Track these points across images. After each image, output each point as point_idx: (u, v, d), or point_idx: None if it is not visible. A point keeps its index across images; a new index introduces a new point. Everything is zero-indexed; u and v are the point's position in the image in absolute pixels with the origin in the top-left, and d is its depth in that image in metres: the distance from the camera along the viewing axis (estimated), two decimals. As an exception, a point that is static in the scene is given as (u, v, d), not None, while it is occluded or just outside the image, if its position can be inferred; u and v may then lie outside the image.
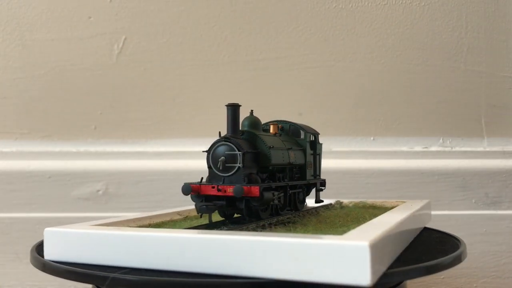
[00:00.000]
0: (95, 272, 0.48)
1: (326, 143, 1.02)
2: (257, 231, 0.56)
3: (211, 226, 0.60)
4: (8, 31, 1.07)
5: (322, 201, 0.80)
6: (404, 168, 1.06)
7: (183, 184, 0.61)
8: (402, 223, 0.58)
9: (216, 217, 0.64)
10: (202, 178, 0.62)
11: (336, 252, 0.42)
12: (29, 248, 0.60)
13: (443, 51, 1.09)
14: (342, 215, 0.71)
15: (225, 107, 0.64)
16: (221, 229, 0.57)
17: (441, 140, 1.09)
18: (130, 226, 0.59)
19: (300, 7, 1.08)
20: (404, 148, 1.08)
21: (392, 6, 1.08)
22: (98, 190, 1.04)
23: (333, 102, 1.08)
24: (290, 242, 0.44)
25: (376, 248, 0.43)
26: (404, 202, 0.85)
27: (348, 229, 0.53)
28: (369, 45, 1.08)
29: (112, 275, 0.47)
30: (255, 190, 0.58)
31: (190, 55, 1.08)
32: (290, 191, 0.70)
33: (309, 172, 0.76)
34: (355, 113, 1.09)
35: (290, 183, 0.69)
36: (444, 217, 1.02)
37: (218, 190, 0.59)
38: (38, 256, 0.55)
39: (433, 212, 0.87)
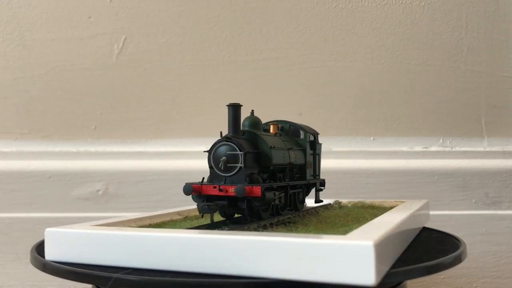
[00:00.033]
0: (97, 272, 0.48)
1: (326, 143, 1.02)
2: (258, 231, 0.56)
3: (212, 226, 0.60)
4: (8, 31, 1.07)
5: (322, 201, 0.80)
6: (404, 168, 1.06)
7: (183, 184, 0.61)
8: (403, 223, 0.58)
9: (217, 217, 0.64)
10: (203, 178, 0.62)
11: (340, 252, 0.42)
12: (29, 248, 0.60)
13: (443, 51, 1.09)
14: (342, 215, 0.71)
15: (226, 107, 0.64)
16: (222, 229, 0.57)
17: (441, 140, 1.09)
18: (130, 226, 0.59)
19: (300, 7, 1.08)
20: (404, 148, 1.08)
21: (392, 6, 1.08)
22: (98, 190, 1.04)
23: (333, 102, 1.08)
24: (293, 242, 0.44)
25: (380, 247, 0.43)
26: (403, 202, 0.85)
27: (350, 229, 0.53)
28: (369, 45, 1.08)
29: (115, 275, 0.47)
30: (257, 190, 0.58)
31: (190, 55, 1.08)
32: (291, 191, 0.70)
33: (309, 172, 0.76)
34: (355, 113, 1.09)
35: (291, 183, 0.69)
36: (444, 217, 1.02)
37: (220, 190, 0.59)
38: (38, 256, 0.55)
39: (433, 212, 0.87)
